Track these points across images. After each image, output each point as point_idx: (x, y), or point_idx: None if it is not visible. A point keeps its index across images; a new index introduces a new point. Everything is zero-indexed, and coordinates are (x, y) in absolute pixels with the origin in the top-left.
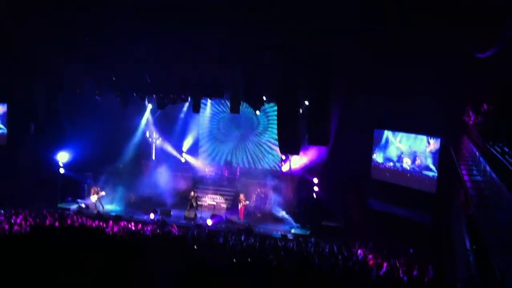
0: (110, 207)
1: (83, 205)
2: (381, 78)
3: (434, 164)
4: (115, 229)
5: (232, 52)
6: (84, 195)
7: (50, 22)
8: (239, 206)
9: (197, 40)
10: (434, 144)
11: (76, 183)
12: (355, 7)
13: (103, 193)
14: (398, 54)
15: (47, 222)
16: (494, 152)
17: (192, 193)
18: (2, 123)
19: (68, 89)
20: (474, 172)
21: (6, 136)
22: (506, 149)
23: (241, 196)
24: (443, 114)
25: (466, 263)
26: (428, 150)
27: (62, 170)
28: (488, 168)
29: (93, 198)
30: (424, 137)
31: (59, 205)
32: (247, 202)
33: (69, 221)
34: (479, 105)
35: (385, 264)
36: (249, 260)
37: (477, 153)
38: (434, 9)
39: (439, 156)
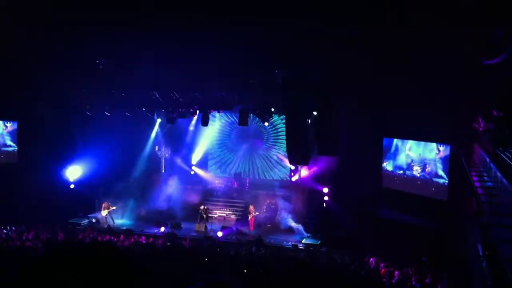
0: (121, 221)
1: (94, 220)
2: (389, 86)
3: (444, 171)
4: (126, 243)
5: (240, 67)
6: (95, 210)
7: (60, 43)
8: (249, 217)
9: (205, 55)
10: (443, 151)
11: (87, 198)
12: (361, 12)
13: (113, 207)
14: (407, 61)
15: (59, 238)
16: (505, 158)
17: (202, 206)
18: (13, 141)
19: (78, 105)
20: (485, 178)
21: (17, 153)
22: None
23: (251, 207)
24: (452, 121)
25: (480, 271)
26: (438, 157)
27: (72, 186)
28: (498, 174)
29: (104, 212)
30: (433, 145)
31: (70, 221)
32: (257, 213)
33: (80, 236)
34: (489, 112)
35: (396, 273)
36: (261, 271)
37: (487, 160)
38: (443, 14)
39: (450, 163)
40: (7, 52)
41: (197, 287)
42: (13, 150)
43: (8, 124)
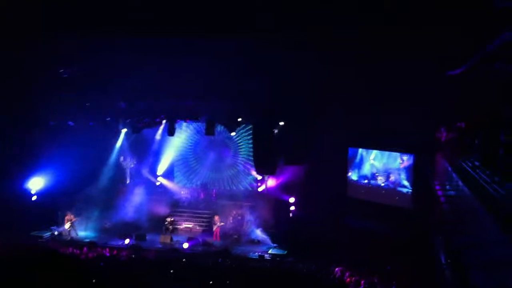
0: (85, 233)
1: (56, 233)
2: (353, 97)
3: (408, 181)
4: (90, 255)
5: (208, 76)
6: (58, 222)
7: (25, 52)
8: (214, 228)
9: (173, 64)
10: (407, 161)
11: (49, 210)
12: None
13: (76, 219)
14: (370, 71)
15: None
16: (466, 167)
17: (169, 218)
18: None
19: (41, 115)
20: (447, 187)
21: None
22: (477, 164)
23: (216, 218)
24: (415, 131)
25: (443, 279)
26: (401, 166)
27: (34, 198)
28: (460, 183)
29: (67, 225)
30: (397, 154)
31: (32, 233)
32: (222, 223)
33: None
34: (451, 122)
35: (362, 282)
36: (227, 282)
37: (449, 169)
38: (406, 24)
39: (413, 173)
40: None
41: None
42: None
43: None
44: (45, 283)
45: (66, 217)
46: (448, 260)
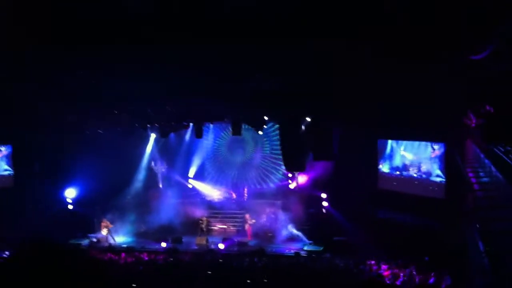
0: (121, 239)
1: (94, 240)
2: (381, 87)
3: (440, 170)
4: (129, 260)
5: (230, 77)
6: (94, 229)
7: (49, 62)
8: (246, 227)
9: (195, 67)
10: (438, 149)
11: (85, 218)
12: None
13: (112, 225)
14: (395, 59)
15: None
16: (498, 152)
17: (202, 219)
18: (8, 165)
19: (71, 125)
20: (481, 174)
21: (13, 177)
22: (509, 148)
23: (247, 216)
24: (444, 119)
25: (481, 267)
26: (433, 156)
27: (70, 207)
28: (493, 168)
29: (104, 231)
30: (428, 144)
31: (70, 242)
32: (253, 221)
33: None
34: (479, 107)
35: (401, 274)
36: (264, 281)
37: (481, 155)
38: (428, 10)
39: (445, 161)
40: None
41: None
42: (9, 174)
43: (2, 148)
44: None
45: (103, 224)
46: (486, 248)
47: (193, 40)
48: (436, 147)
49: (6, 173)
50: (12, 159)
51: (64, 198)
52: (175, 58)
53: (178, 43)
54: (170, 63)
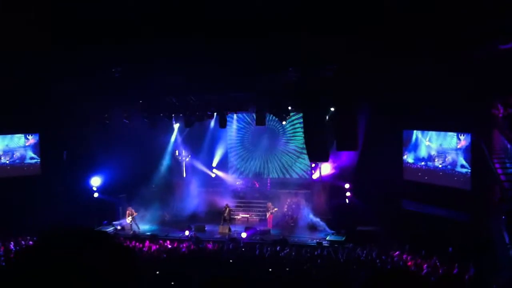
0: (146, 227)
1: (119, 227)
2: (406, 78)
3: (466, 161)
4: (153, 247)
5: (255, 66)
6: (119, 217)
7: (75, 52)
8: (267, 215)
9: (218, 57)
10: (464, 140)
11: (110, 206)
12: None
13: (136, 213)
14: (422, 50)
15: None
16: None
17: (225, 208)
18: (35, 153)
19: (96, 115)
20: (507, 165)
21: (40, 165)
22: None
23: (269, 204)
24: (471, 109)
25: (507, 259)
26: (459, 146)
27: (96, 195)
28: None
29: (128, 219)
30: (453, 134)
31: (95, 229)
32: (275, 210)
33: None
34: (507, 97)
35: (425, 266)
36: (286, 270)
37: (508, 146)
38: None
39: (471, 152)
40: (26, 66)
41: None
42: (36, 162)
43: (30, 137)
44: (111, 274)
45: (127, 212)
46: None
47: (219, 32)
48: (462, 137)
49: (33, 161)
50: (40, 148)
51: (90, 187)
52: (200, 50)
53: (203, 36)
54: (195, 55)
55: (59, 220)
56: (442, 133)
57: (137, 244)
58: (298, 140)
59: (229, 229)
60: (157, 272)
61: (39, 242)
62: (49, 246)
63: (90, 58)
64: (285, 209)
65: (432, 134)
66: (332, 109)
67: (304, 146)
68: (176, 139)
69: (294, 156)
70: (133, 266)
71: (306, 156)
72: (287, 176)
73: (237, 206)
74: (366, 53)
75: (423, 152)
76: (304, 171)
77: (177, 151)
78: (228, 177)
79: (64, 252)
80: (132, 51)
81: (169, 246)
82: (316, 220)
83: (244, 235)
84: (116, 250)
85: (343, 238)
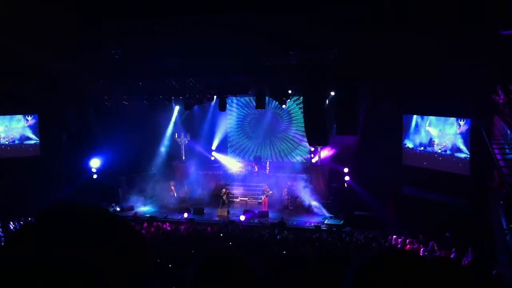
0: (145, 209)
1: (117, 209)
2: (406, 62)
3: (465, 146)
4: (152, 229)
5: (254, 50)
6: (119, 199)
7: (76, 35)
8: (263, 198)
9: (219, 39)
10: (464, 125)
11: (110, 188)
12: None
13: (136, 195)
14: (422, 35)
15: None
16: None
17: (224, 190)
18: (34, 134)
19: (96, 96)
20: (507, 151)
21: (39, 146)
22: None
23: (265, 187)
24: (471, 94)
25: (504, 244)
26: (458, 132)
27: (95, 176)
28: None
29: (128, 201)
30: (453, 119)
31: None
32: (271, 192)
33: None
34: (508, 83)
35: (422, 250)
36: (284, 253)
37: (508, 132)
38: None
39: (470, 137)
40: (25, 48)
41: (197, 263)
42: (35, 143)
43: (29, 118)
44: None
45: (127, 194)
46: (510, 226)
47: (219, 11)
48: (462, 122)
49: (32, 142)
50: (39, 129)
51: (89, 168)
52: (202, 30)
53: (205, 12)
54: (196, 36)
55: (58, 201)
56: (442, 118)
57: (136, 226)
58: (297, 124)
59: (228, 212)
60: (157, 259)
61: (39, 219)
62: (50, 224)
63: (90, 38)
64: (284, 193)
65: (432, 119)
66: (332, 93)
67: (304, 130)
68: (175, 121)
69: (294, 140)
70: (145, 250)
71: (305, 141)
72: (286, 160)
73: (236, 190)
74: (367, 35)
75: (422, 137)
76: (304, 155)
77: (176, 134)
78: (228, 160)
79: (68, 231)
80: (132, 31)
81: (168, 228)
82: (315, 203)
83: (242, 218)
84: (128, 232)
85: (342, 222)
